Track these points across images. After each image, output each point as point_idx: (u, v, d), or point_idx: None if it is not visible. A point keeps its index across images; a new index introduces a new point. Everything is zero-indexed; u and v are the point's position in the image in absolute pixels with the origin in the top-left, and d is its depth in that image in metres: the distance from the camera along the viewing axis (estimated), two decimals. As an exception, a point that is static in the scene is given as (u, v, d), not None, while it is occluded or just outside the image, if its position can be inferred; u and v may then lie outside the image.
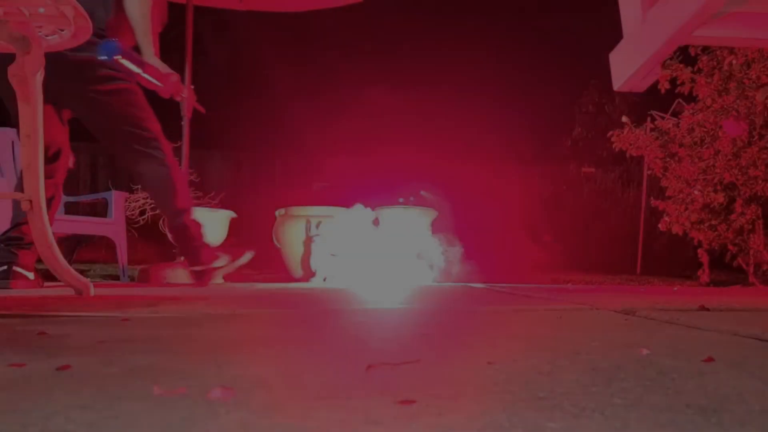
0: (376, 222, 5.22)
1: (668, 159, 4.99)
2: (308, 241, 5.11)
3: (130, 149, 3.43)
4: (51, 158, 3.22)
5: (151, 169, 3.45)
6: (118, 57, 3.10)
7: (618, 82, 2.10)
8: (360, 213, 5.08)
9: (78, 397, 0.78)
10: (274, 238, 5.50)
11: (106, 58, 3.08)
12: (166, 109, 3.93)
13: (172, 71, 3.42)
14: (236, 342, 1.29)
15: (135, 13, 3.26)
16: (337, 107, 9.80)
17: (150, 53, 3.32)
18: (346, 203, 5.18)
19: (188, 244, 3.57)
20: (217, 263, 3.59)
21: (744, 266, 4.94)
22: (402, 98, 9.84)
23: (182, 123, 4.50)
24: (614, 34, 2.14)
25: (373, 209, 5.19)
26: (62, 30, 2.40)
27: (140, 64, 3.26)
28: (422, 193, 5.91)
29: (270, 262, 5.52)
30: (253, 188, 9.18)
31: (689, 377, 0.97)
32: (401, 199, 5.71)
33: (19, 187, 2.96)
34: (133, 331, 1.42)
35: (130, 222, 5.53)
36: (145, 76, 3.31)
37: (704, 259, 5.00)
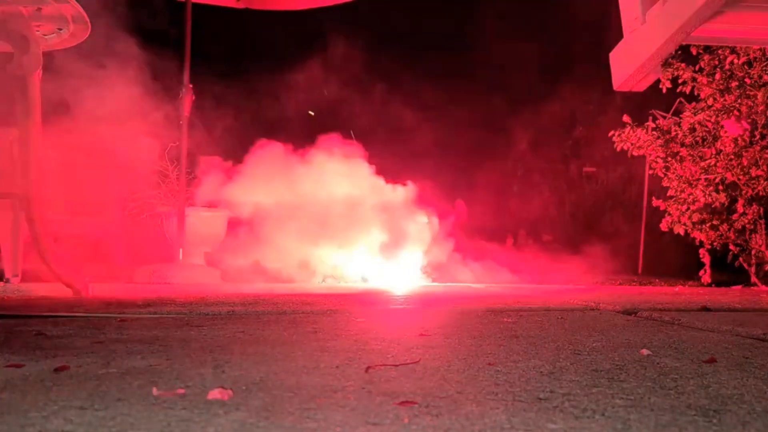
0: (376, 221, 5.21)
1: (670, 159, 4.98)
2: (307, 241, 5.10)
3: None
4: None
5: None
6: None
7: (618, 82, 2.09)
8: (359, 212, 5.07)
9: (76, 398, 0.77)
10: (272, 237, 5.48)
11: None
12: (164, 107, 3.92)
13: None
14: (234, 342, 1.28)
15: None
16: (337, 105, 9.81)
17: None
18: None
19: None
20: None
21: (746, 266, 4.92)
22: (400, 97, 9.85)
23: (180, 122, 4.48)
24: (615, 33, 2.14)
25: (372, 208, 5.18)
26: (60, 29, 2.40)
27: None
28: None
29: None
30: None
31: (691, 378, 0.97)
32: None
33: None
34: (131, 332, 1.42)
35: (129, 222, 5.52)
36: None
37: (706, 259, 4.98)
